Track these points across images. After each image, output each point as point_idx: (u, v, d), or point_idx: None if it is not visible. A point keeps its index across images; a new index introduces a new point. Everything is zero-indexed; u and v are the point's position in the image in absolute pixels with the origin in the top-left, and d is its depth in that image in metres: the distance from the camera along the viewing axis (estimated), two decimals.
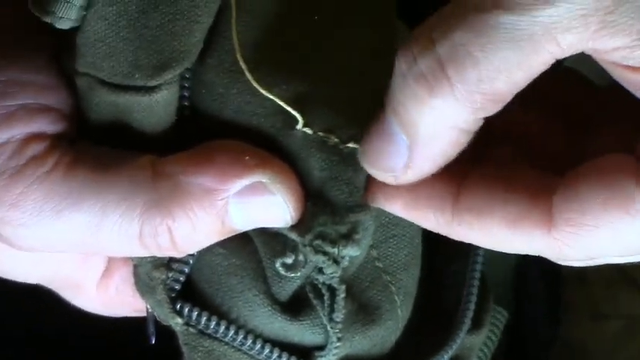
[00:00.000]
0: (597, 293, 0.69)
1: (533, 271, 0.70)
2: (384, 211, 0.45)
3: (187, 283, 0.47)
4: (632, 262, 0.42)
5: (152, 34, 0.42)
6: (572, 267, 0.43)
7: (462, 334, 0.51)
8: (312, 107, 0.43)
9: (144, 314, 0.51)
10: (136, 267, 0.47)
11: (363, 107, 0.43)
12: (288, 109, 0.43)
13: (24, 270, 0.50)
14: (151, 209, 0.43)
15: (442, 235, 0.51)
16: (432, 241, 0.51)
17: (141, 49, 0.42)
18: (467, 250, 0.53)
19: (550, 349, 0.69)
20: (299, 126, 0.43)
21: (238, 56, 0.44)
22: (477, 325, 0.53)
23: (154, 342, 0.51)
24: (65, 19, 0.42)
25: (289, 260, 0.43)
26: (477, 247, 0.53)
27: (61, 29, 0.42)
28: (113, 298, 0.51)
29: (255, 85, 0.43)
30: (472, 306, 0.51)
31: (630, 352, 0.67)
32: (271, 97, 0.43)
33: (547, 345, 0.69)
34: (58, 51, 0.46)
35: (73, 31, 0.43)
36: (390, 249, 0.47)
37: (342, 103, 0.43)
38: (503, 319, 0.56)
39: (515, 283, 0.70)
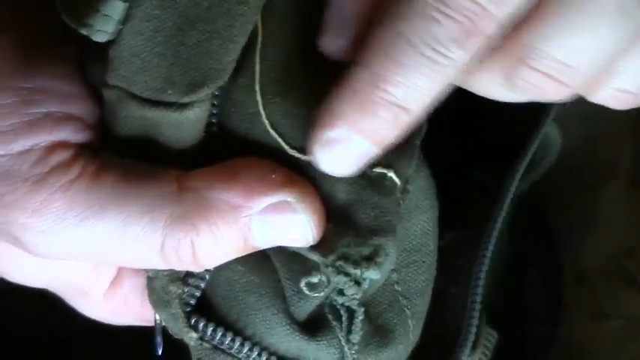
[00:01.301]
0: (597, 293, 0.69)
1: (534, 271, 0.71)
2: (407, 237, 0.46)
3: (201, 298, 0.47)
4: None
5: (188, 52, 0.42)
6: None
7: (463, 358, 0.52)
8: None
9: (150, 324, 0.51)
10: (150, 279, 0.47)
11: None
12: (292, 152, 0.44)
13: (33, 275, 0.50)
14: (175, 223, 0.43)
15: (444, 258, 0.52)
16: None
17: (176, 66, 0.42)
18: (467, 273, 0.54)
19: (550, 350, 0.70)
20: None
21: (257, 88, 0.44)
22: (472, 347, 0.53)
23: (160, 353, 0.51)
24: (102, 32, 0.42)
25: (315, 279, 0.43)
26: (478, 271, 0.54)
27: (97, 42, 0.42)
28: (121, 307, 0.51)
29: (266, 122, 0.44)
30: (473, 329, 0.52)
31: (630, 353, 0.67)
32: (275, 135, 0.44)
33: (547, 345, 0.70)
34: (82, 61, 0.46)
35: (106, 44, 0.43)
36: (410, 274, 0.47)
37: None
38: (493, 340, 0.57)
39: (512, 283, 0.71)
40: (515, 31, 0.40)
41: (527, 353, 0.70)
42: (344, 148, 0.42)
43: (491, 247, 0.55)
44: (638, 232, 0.70)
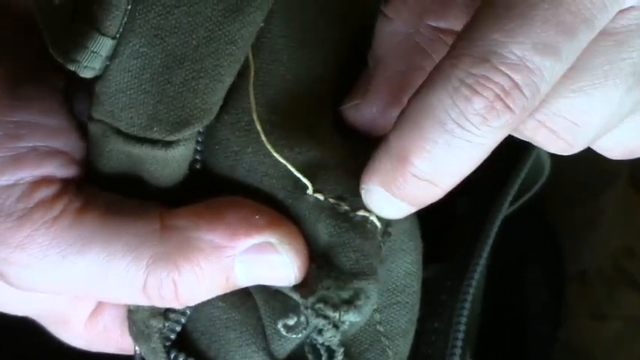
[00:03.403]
0: (597, 293, 0.69)
1: (535, 271, 0.70)
2: (391, 278, 0.46)
3: (182, 333, 0.47)
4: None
5: (175, 90, 0.42)
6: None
7: None
8: (324, 173, 0.44)
9: (129, 352, 0.51)
10: (131, 312, 0.47)
11: None
12: (299, 175, 0.44)
13: (14, 303, 0.49)
14: (158, 262, 0.43)
15: (427, 292, 0.52)
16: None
17: (162, 104, 0.42)
18: (450, 308, 0.54)
19: (550, 350, 0.69)
20: (309, 191, 0.44)
21: (254, 117, 0.44)
22: None
23: None
24: (89, 68, 0.42)
25: (291, 322, 0.43)
26: (461, 308, 0.54)
27: (83, 78, 0.42)
28: (100, 336, 0.50)
29: (269, 147, 0.44)
30: None
31: (630, 353, 0.67)
32: (282, 161, 0.44)
33: (547, 345, 0.70)
34: (68, 93, 0.45)
35: (93, 80, 0.43)
36: (392, 315, 0.47)
37: (354, 171, 0.44)
38: None
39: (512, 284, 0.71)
40: None
41: (528, 353, 0.70)
42: (382, 200, 0.42)
43: (474, 283, 0.55)
44: (638, 233, 0.69)
